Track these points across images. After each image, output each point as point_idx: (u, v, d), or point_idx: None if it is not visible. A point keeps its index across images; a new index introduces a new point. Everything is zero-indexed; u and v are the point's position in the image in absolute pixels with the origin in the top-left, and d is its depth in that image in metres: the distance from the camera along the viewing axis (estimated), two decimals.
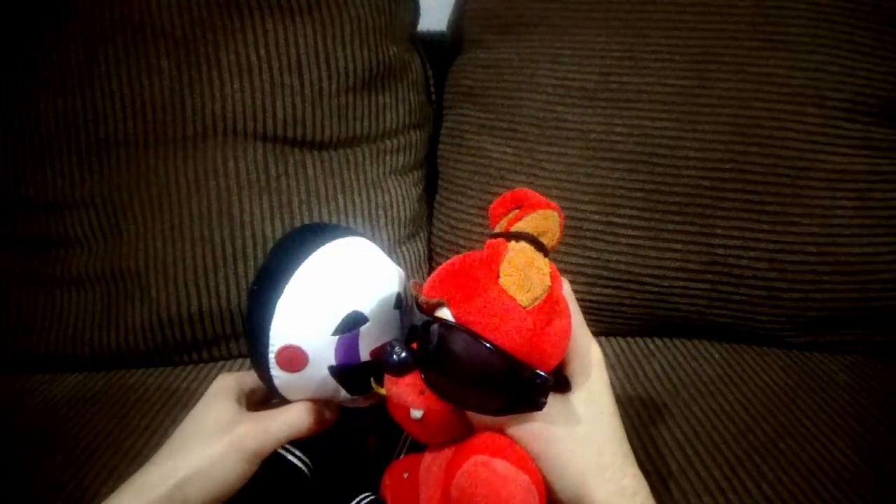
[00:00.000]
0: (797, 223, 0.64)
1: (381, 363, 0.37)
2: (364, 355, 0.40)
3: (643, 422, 0.56)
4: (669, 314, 0.68)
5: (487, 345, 0.33)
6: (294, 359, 0.39)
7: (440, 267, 0.38)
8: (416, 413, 0.36)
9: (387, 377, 0.37)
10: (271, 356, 0.38)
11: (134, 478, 0.38)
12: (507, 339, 0.33)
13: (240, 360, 0.67)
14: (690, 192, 0.65)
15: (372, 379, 0.39)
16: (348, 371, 0.40)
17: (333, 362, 0.39)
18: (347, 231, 0.43)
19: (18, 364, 0.66)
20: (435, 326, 0.35)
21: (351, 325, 0.39)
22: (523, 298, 0.34)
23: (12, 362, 0.66)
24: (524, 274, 0.35)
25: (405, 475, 0.41)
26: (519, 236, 0.37)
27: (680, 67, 0.66)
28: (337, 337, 0.39)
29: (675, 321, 0.69)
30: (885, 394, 0.60)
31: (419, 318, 0.36)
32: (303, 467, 0.43)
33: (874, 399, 0.59)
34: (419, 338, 0.36)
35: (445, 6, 0.85)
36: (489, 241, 0.37)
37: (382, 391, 0.38)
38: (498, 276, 0.35)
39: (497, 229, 0.40)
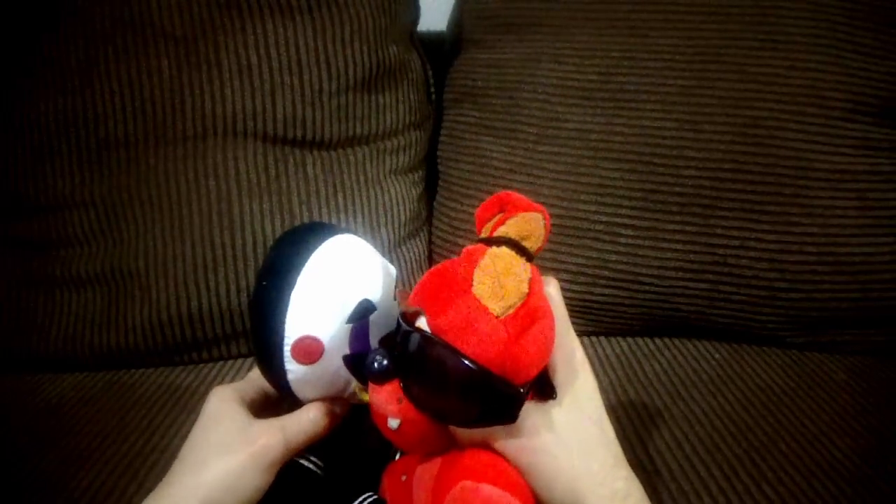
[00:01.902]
0: (797, 223, 0.64)
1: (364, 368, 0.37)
2: (374, 344, 0.41)
3: (643, 422, 0.56)
4: (669, 314, 0.68)
5: (459, 357, 0.32)
6: (310, 350, 0.39)
7: (424, 274, 0.37)
8: (393, 422, 0.35)
9: (369, 384, 0.37)
10: (287, 349, 0.38)
11: (151, 499, 0.37)
12: (479, 349, 0.32)
13: (240, 361, 0.67)
14: (690, 192, 0.65)
15: (356, 384, 0.39)
16: (361, 360, 0.40)
17: (347, 351, 0.40)
18: (342, 229, 0.43)
19: (18, 364, 0.66)
20: (413, 336, 0.34)
21: (363, 314, 0.40)
22: (496, 307, 0.33)
23: (12, 362, 0.66)
24: (498, 281, 0.34)
25: (403, 478, 0.41)
26: (500, 241, 0.36)
27: (680, 67, 0.66)
28: (350, 325, 0.39)
29: (675, 321, 0.69)
30: (885, 394, 0.60)
31: (401, 326, 0.36)
32: (315, 469, 0.43)
33: (874, 399, 0.59)
34: (398, 346, 0.35)
35: (445, 6, 0.85)
36: (465, 248, 0.37)
37: (366, 397, 0.37)
38: (472, 285, 0.34)
39: (483, 234, 0.39)
